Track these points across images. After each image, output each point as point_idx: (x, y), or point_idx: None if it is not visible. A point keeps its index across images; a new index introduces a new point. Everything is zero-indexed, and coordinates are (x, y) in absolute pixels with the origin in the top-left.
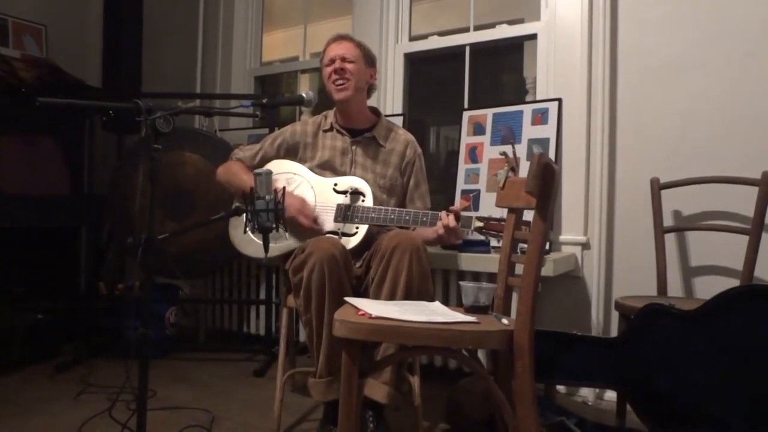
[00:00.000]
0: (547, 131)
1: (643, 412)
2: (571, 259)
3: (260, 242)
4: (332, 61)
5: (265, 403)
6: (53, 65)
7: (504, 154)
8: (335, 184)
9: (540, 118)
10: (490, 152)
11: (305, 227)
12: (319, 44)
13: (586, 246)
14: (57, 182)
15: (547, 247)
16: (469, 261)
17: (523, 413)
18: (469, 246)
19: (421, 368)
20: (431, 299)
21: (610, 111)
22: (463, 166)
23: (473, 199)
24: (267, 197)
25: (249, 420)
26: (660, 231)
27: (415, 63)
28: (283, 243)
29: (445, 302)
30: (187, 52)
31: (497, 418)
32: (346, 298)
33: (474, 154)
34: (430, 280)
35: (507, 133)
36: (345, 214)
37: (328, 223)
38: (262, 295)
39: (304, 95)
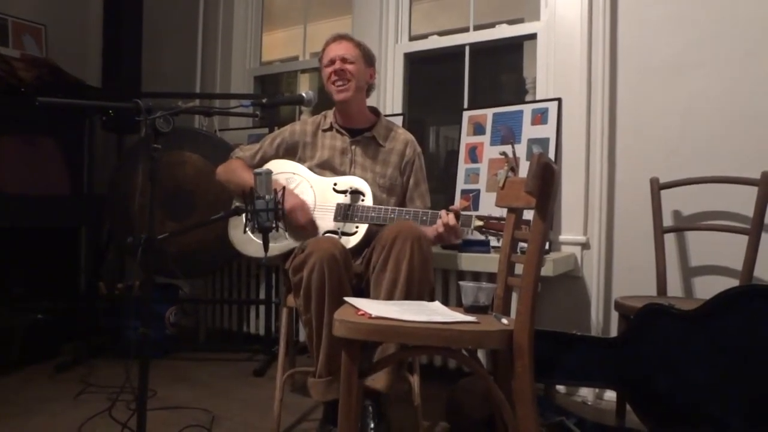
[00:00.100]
0: (547, 131)
1: (642, 412)
2: (570, 259)
3: (260, 242)
4: (332, 61)
5: (264, 403)
6: (53, 65)
7: (504, 153)
8: (335, 184)
9: (540, 117)
10: (490, 152)
11: (300, 223)
12: (319, 44)
13: (585, 246)
14: (57, 182)
15: (547, 247)
16: (468, 261)
17: (523, 413)
18: (469, 246)
19: (421, 368)
20: (432, 287)
21: (609, 111)
22: (462, 166)
23: (473, 198)
24: (267, 197)
25: (249, 420)
26: (659, 231)
27: (414, 63)
28: (282, 242)
29: (445, 302)
30: (186, 51)
31: (497, 417)
32: (346, 298)
33: (474, 154)
34: (431, 267)
35: (507, 133)
36: (345, 213)
37: (328, 222)
38: (262, 295)
39: (303, 95)
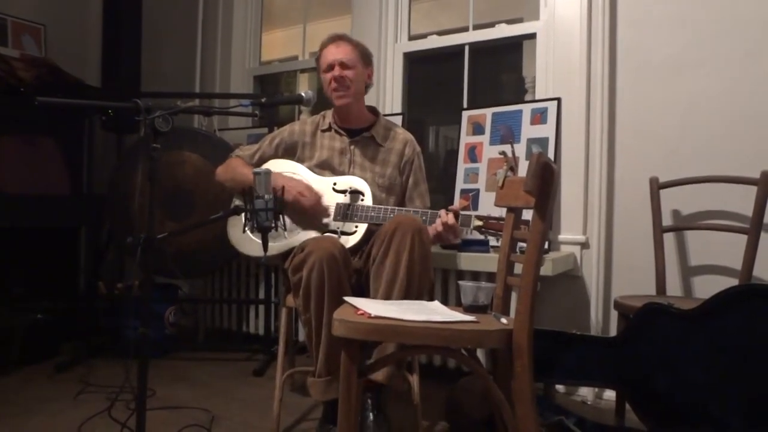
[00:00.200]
0: (546, 131)
1: (642, 412)
2: (570, 259)
3: (259, 241)
4: (331, 66)
5: (264, 403)
6: (52, 65)
7: (503, 153)
8: (334, 184)
9: (539, 117)
10: (490, 152)
11: (307, 207)
12: (318, 44)
13: (585, 245)
14: (56, 182)
15: (546, 246)
16: (468, 260)
17: (522, 412)
18: (469, 245)
19: (421, 367)
20: (432, 282)
21: (609, 110)
22: (462, 166)
23: (472, 198)
24: (266, 196)
25: (248, 419)
26: (659, 230)
27: (414, 62)
28: (282, 242)
29: (444, 301)
30: (186, 51)
31: (496, 417)
32: (346, 298)
33: (473, 154)
34: (431, 260)
35: (506, 133)
36: (344, 213)
37: (330, 217)
38: (262, 295)
39: (303, 94)
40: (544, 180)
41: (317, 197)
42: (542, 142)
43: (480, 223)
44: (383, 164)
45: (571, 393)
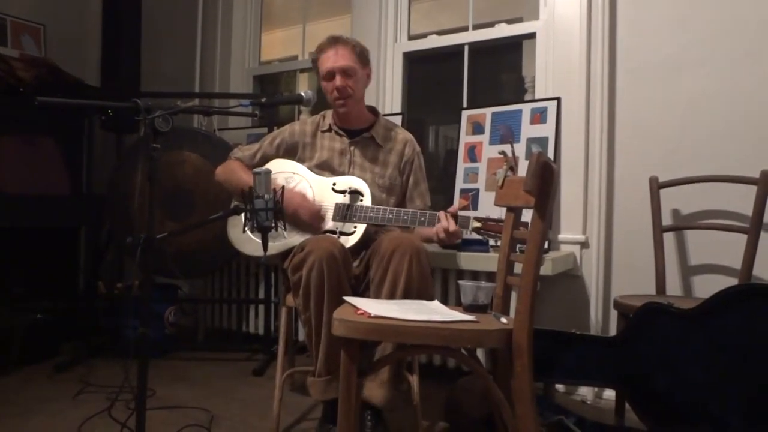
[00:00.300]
0: (546, 130)
1: (641, 411)
2: (569, 258)
3: (259, 241)
4: (331, 74)
5: (264, 403)
6: (52, 65)
7: (503, 153)
8: (334, 184)
9: (539, 117)
10: (489, 151)
11: (305, 221)
12: (317, 45)
13: (584, 245)
14: (56, 182)
15: (546, 246)
16: (468, 260)
17: (522, 412)
18: (468, 245)
19: (420, 367)
20: (431, 301)
21: (608, 110)
22: (462, 166)
23: (472, 198)
24: (266, 196)
25: (248, 419)
26: (659, 230)
27: (414, 62)
28: (281, 242)
29: (444, 301)
30: (185, 51)
31: (496, 417)
32: (345, 297)
33: (473, 154)
34: (430, 281)
35: (506, 132)
36: (344, 213)
37: (327, 222)
38: (261, 295)
39: (303, 94)
40: (544, 179)
41: (315, 208)
42: (542, 141)
43: (478, 224)
44: (383, 164)
45: (570, 392)
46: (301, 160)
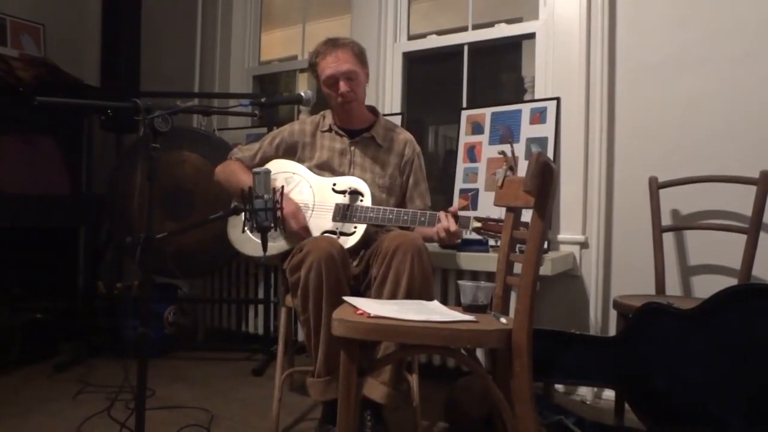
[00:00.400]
0: (546, 130)
1: (641, 411)
2: (569, 258)
3: (258, 241)
4: (334, 80)
5: (263, 403)
6: (51, 64)
7: (502, 153)
8: (334, 184)
9: (538, 117)
10: (489, 151)
11: (294, 230)
12: (315, 50)
13: (584, 245)
14: (56, 182)
15: (546, 246)
16: (467, 260)
17: (522, 412)
18: (468, 245)
19: (420, 367)
20: (432, 300)
21: (608, 110)
22: (461, 166)
23: (472, 198)
24: (265, 196)
25: (248, 419)
26: (658, 230)
27: (413, 62)
28: (281, 242)
29: (444, 301)
30: (185, 51)
31: (496, 417)
32: (345, 297)
33: (472, 154)
34: (432, 281)
35: (505, 133)
36: (343, 213)
37: (326, 222)
38: (261, 295)
39: (302, 94)
40: (544, 180)
41: (304, 224)
42: (541, 141)
43: (479, 224)
44: (383, 165)
45: (570, 392)
46: (300, 160)
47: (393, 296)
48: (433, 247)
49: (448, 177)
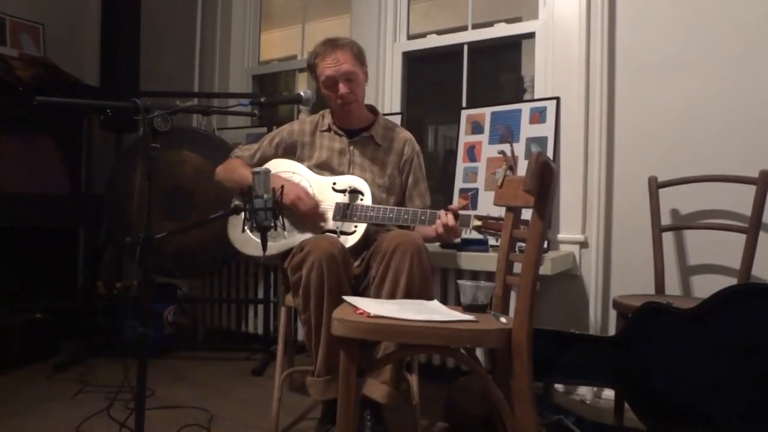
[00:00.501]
0: (545, 130)
1: (640, 411)
2: (569, 258)
3: (258, 241)
4: (334, 82)
5: (263, 402)
6: (51, 64)
7: (502, 152)
8: (334, 183)
9: (538, 116)
10: (489, 151)
11: (303, 212)
12: (314, 51)
13: (584, 245)
14: (55, 181)
15: (545, 245)
16: (467, 260)
17: (522, 412)
18: (468, 245)
19: (420, 367)
20: (431, 300)
21: (608, 109)
22: (461, 165)
23: (471, 197)
24: (265, 196)
25: (247, 419)
26: (658, 229)
27: (413, 62)
28: (281, 242)
29: (444, 301)
30: (185, 50)
31: (495, 416)
32: (345, 297)
33: (472, 153)
34: (431, 280)
35: (505, 132)
36: (344, 212)
37: (327, 222)
38: (261, 294)
39: (302, 94)
40: (543, 179)
41: (314, 203)
42: (541, 141)
43: (479, 222)
44: (383, 164)
45: (570, 392)
46: (300, 160)
47: (392, 296)
48: (433, 246)
49: (447, 176)
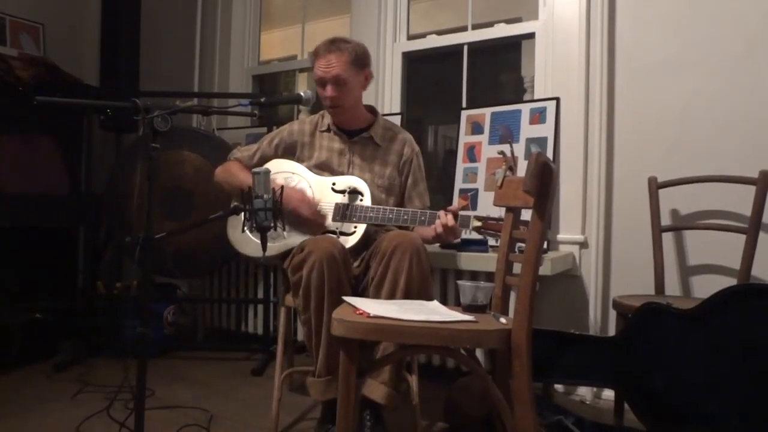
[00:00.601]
0: (545, 130)
1: (640, 411)
2: (568, 258)
3: (258, 241)
4: (323, 82)
5: (263, 402)
6: (51, 64)
7: (502, 153)
8: (333, 184)
9: (538, 117)
10: (488, 151)
11: (306, 217)
12: (314, 47)
13: (583, 245)
14: (55, 181)
15: (545, 246)
16: (467, 260)
17: (521, 412)
18: (468, 245)
19: (419, 367)
20: (431, 300)
21: (607, 110)
22: (461, 165)
23: (471, 198)
24: (265, 196)
25: (247, 419)
26: (657, 230)
27: (413, 62)
28: (281, 242)
29: (443, 301)
30: (185, 50)
31: (495, 417)
32: (345, 297)
33: (472, 153)
34: (430, 281)
35: (505, 132)
36: (343, 213)
37: (326, 222)
38: (260, 294)
39: (302, 94)
40: (543, 180)
41: (315, 207)
42: (541, 141)
43: (479, 223)
44: (382, 164)
45: (569, 393)
46: (299, 160)
47: (391, 296)
48: (432, 247)
49: (447, 177)
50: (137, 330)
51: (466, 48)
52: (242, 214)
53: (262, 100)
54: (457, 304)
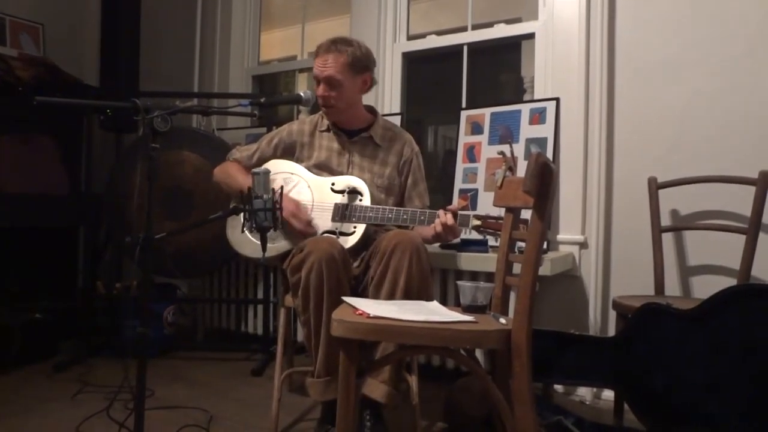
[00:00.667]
0: (545, 130)
1: (640, 411)
2: (568, 259)
3: (258, 242)
4: (317, 80)
5: (262, 403)
6: (50, 64)
7: (502, 153)
8: (333, 184)
9: (538, 117)
10: (488, 151)
11: (298, 230)
12: (317, 44)
13: (583, 245)
14: (55, 181)
15: (545, 246)
16: (467, 260)
17: (521, 412)
18: (468, 245)
19: (419, 367)
20: (431, 299)
21: (607, 110)
22: (461, 166)
23: (471, 198)
24: (265, 196)
25: (247, 419)
26: (657, 230)
27: (413, 62)
28: (280, 243)
29: (443, 302)
30: (184, 51)
31: (495, 417)
32: (344, 298)
33: (472, 154)
34: (430, 280)
35: (505, 133)
36: (342, 213)
37: (326, 222)
38: (260, 295)
39: (302, 94)
40: (543, 180)
41: (305, 222)
42: (541, 142)
43: (478, 222)
44: (382, 165)
45: (569, 393)
46: (299, 160)
47: (391, 296)
48: (432, 247)
49: (447, 177)
50: (137, 330)
51: (465, 48)
52: (242, 214)
53: (262, 100)
54: (456, 305)
